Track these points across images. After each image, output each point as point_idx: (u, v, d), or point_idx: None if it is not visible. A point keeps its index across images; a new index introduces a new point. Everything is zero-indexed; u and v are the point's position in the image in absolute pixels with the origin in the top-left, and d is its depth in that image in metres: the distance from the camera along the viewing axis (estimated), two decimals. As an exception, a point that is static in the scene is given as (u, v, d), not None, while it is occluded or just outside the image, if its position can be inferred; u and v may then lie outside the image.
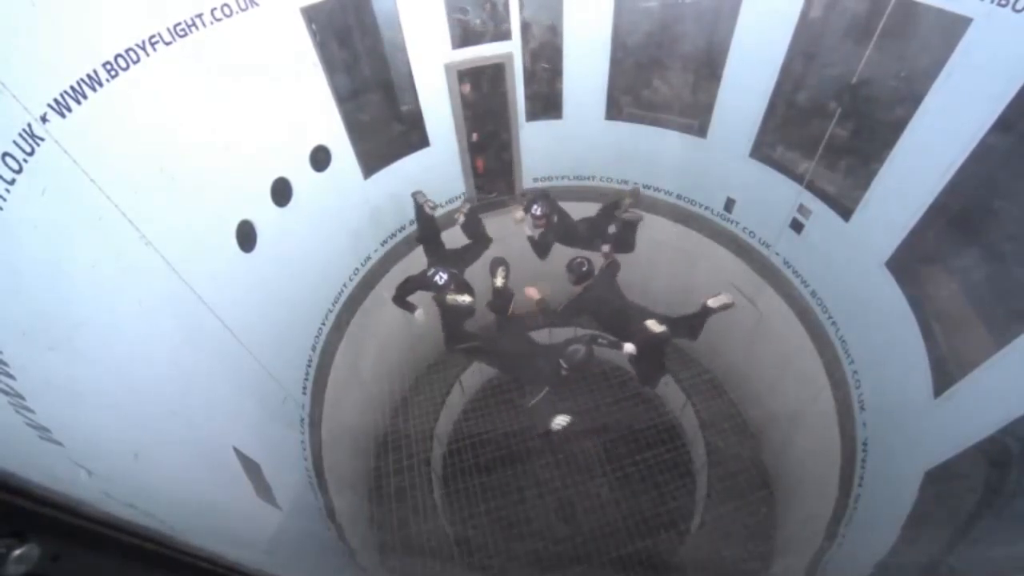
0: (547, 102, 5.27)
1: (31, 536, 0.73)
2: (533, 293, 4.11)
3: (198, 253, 2.92)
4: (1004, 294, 3.14)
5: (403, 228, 5.33)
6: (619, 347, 3.99)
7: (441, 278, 4.14)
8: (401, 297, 4.45)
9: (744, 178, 4.73)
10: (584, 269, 4.12)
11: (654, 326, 3.83)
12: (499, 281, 4.28)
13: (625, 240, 4.94)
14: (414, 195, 4.60)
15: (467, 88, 4.88)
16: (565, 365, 3.69)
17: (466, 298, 4.14)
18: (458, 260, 4.58)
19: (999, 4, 2.65)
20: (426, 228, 4.75)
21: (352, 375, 4.94)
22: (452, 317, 4.47)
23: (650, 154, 5.30)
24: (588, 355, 3.70)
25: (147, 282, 2.51)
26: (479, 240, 4.78)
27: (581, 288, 4.20)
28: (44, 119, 2.01)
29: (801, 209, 4.37)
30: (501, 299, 4.36)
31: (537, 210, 4.49)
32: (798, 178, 4.31)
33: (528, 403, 3.87)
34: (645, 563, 5.20)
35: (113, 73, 2.35)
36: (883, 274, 3.68)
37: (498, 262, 4.36)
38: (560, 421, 3.71)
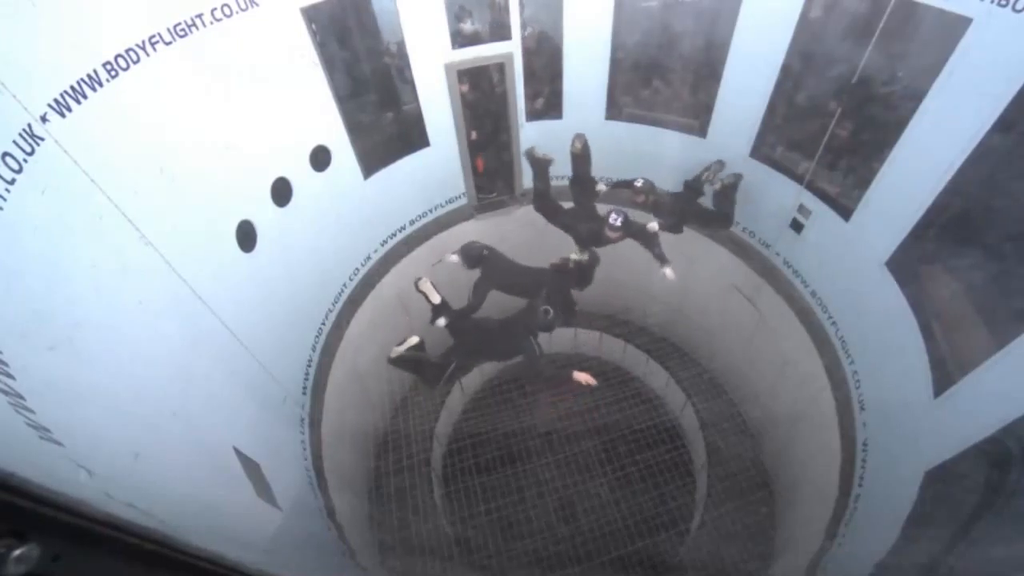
0: (547, 102, 5.26)
1: (31, 536, 0.73)
2: (585, 378, 3.90)
3: (198, 253, 2.92)
4: (1004, 294, 3.14)
5: (403, 228, 5.33)
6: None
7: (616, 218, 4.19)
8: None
9: (744, 178, 4.73)
10: (485, 253, 4.06)
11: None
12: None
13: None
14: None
15: (467, 88, 4.88)
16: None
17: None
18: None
19: (999, 4, 2.65)
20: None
21: (352, 375, 4.94)
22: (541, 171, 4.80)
23: (650, 154, 5.30)
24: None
25: (147, 282, 2.51)
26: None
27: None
28: (44, 119, 2.01)
29: (801, 209, 4.37)
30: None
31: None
32: (798, 178, 4.31)
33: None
34: (645, 563, 5.19)
35: (113, 73, 2.35)
36: (883, 274, 3.68)
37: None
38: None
